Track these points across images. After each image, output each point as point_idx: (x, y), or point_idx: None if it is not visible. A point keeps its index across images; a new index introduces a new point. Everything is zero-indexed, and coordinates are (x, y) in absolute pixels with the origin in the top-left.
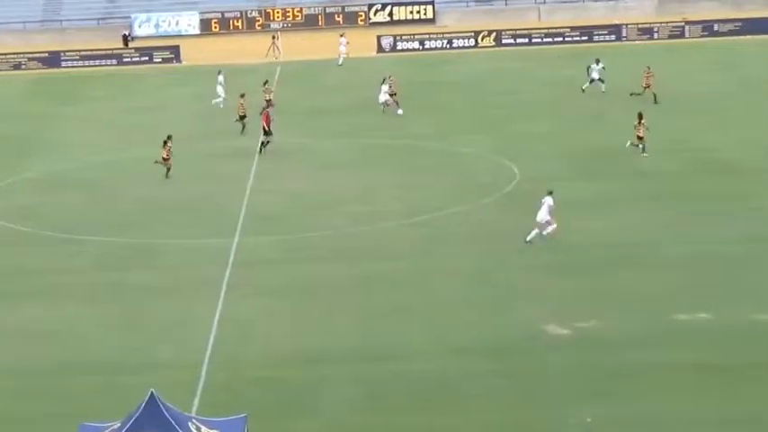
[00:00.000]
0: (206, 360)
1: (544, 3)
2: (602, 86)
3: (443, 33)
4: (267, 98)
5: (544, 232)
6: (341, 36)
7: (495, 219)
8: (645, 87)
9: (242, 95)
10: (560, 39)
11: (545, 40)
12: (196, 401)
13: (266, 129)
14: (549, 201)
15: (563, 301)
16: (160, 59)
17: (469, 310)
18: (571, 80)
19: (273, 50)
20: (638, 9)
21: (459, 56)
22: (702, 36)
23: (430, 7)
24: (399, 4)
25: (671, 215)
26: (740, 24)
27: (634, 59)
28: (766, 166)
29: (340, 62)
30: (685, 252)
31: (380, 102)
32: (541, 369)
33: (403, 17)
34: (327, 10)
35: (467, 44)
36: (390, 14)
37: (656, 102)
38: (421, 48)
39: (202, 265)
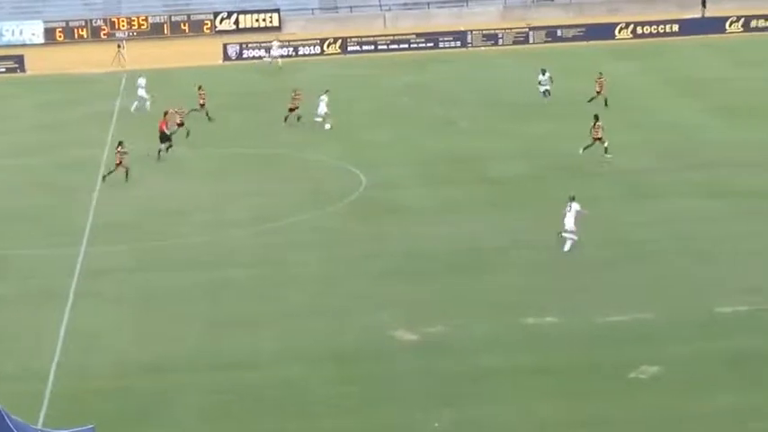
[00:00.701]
0: (52, 371)
1: (389, 10)
2: (546, 99)
3: (289, 41)
4: (201, 102)
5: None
6: (274, 40)
7: (342, 226)
8: (598, 92)
9: (180, 107)
10: (406, 45)
11: (391, 46)
12: (42, 413)
13: (164, 133)
14: (576, 207)
15: (411, 306)
16: (4, 69)
17: (318, 316)
18: (417, 87)
19: (119, 59)
20: (483, 15)
21: (306, 63)
22: (546, 42)
23: (276, 15)
24: (245, 12)
25: (519, 220)
26: (583, 30)
27: (478, 64)
28: (610, 170)
29: (280, 64)
30: (533, 257)
31: (319, 113)
32: (390, 375)
33: (249, 25)
34: (173, 18)
35: (313, 51)
36: (236, 22)
37: (606, 105)
38: (267, 56)
39: (48, 275)
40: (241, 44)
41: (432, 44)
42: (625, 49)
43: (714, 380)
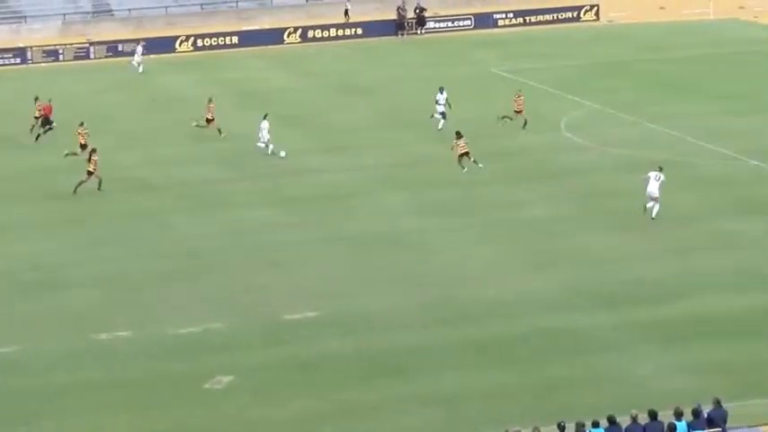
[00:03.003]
0: None
1: None
2: (441, 122)
3: None
4: (36, 115)
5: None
6: (139, 44)
7: None
8: (517, 112)
9: (81, 124)
10: None
11: None
12: None
13: (49, 119)
14: (662, 177)
15: None
16: None
17: None
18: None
19: None
20: (43, 31)
21: None
22: (107, 56)
23: None
24: None
25: (87, 236)
26: (144, 44)
27: (39, 81)
28: (172, 183)
29: (140, 70)
30: (103, 271)
31: (262, 140)
32: None
33: None
34: None
35: None
36: None
37: (524, 127)
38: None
39: None
40: None
41: None
42: (186, 62)
43: (286, 386)
